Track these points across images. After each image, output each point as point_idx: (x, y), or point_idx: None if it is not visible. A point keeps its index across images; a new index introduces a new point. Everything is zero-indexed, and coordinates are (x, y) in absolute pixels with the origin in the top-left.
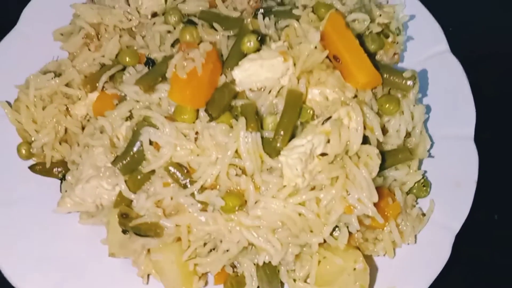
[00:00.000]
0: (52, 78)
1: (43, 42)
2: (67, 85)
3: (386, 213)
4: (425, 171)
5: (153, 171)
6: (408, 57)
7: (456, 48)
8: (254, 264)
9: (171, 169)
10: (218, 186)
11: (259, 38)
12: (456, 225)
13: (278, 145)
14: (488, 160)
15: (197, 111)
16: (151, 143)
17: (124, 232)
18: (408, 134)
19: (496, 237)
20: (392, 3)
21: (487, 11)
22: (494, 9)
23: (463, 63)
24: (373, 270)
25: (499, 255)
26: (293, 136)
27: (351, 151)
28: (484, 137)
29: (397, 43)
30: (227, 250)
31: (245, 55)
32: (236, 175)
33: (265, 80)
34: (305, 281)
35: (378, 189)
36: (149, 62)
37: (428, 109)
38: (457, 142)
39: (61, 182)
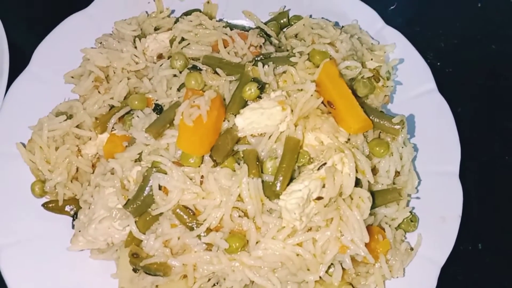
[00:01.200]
0: (64, 120)
1: (54, 82)
2: (78, 126)
3: (376, 250)
4: (413, 207)
5: (161, 213)
6: (397, 95)
7: (443, 83)
8: None
9: (179, 211)
10: (221, 228)
11: (259, 86)
12: (442, 258)
13: (278, 189)
14: (471, 192)
15: (202, 156)
16: (160, 187)
17: (134, 270)
18: (397, 173)
19: (479, 265)
20: (383, 43)
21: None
22: (482, 43)
23: (450, 100)
24: None
25: (483, 283)
26: (291, 178)
27: (344, 194)
28: (468, 173)
29: (387, 86)
30: None
31: (246, 101)
32: (239, 216)
33: (265, 127)
34: None
35: (369, 227)
36: (157, 108)
37: (415, 147)
38: (442, 178)
39: (73, 219)
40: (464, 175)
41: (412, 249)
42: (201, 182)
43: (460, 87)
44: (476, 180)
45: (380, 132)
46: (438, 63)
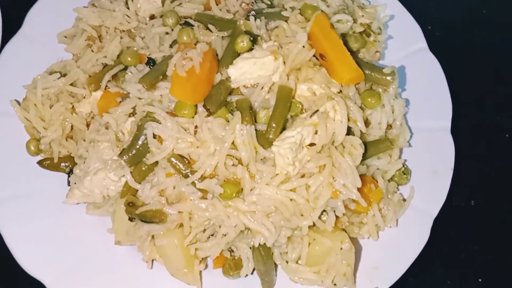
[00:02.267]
0: (58, 78)
1: (47, 44)
2: (72, 84)
3: (369, 199)
4: (405, 160)
5: (156, 163)
6: (389, 54)
7: (434, 45)
8: (250, 247)
9: (173, 160)
10: (216, 176)
11: (252, 38)
12: (434, 210)
13: (271, 136)
14: (464, 150)
15: (196, 106)
16: (154, 136)
17: (130, 219)
18: (389, 126)
19: (472, 221)
20: (374, 4)
21: (465, 8)
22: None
23: (441, 59)
24: (358, 250)
25: (474, 237)
26: (284, 128)
27: (336, 142)
28: (460, 128)
29: (378, 41)
30: (225, 234)
31: (238, 54)
32: (233, 165)
33: (258, 78)
34: (297, 262)
35: (362, 176)
36: (150, 62)
37: (408, 102)
38: (434, 133)
39: (68, 176)
40: (456, 132)
41: (404, 200)
42: (195, 132)
43: (453, 50)
44: (468, 138)
45: (371, 84)
46: (429, 27)
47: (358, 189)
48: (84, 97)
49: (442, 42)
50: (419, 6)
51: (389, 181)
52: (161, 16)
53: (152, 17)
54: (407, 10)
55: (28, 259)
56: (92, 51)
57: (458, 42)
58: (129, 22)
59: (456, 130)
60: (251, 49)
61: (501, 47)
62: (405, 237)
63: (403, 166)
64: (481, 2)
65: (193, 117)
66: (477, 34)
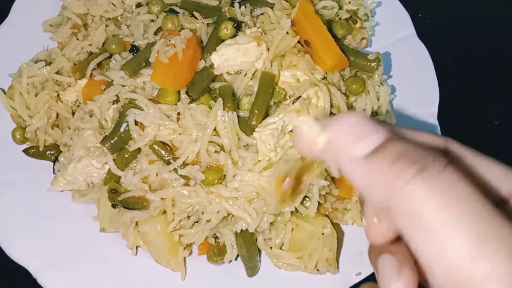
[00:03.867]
0: (43, 67)
1: (33, 33)
2: (57, 72)
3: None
4: None
5: (139, 150)
6: (376, 41)
7: (424, 33)
8: (234, 233)
9: (156, 147)
10: (199, 162)
11: (235, 24)
12: None
13: (253, 123)
14: (450, 136)
15: (179, 93)
16: (136, 123)
17: (113, 206)
18: (374, 113)
19: None
20: None
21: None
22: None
23: (430, 46)
24: (341, 235)
25: None
26: (267, 115)
27: None
28: (446, 115)
29: (365, 28)
30: (208, 221)
31: (223, 41)
32: (215, 151)
33: (241, 64)
34: (280, 248)
35: None
36: (134, 49)
37: (394, 89)
38: (421, 120)
39: (54, 164)
40: (443, 119)
41: None
42: (178, 119)
43: (442, 38)
44: (454, 124)
45: (356, 71)
46: (420, 14)
47: (342, 176)
48: (70, 86)
49: (432, 29)
50: None
51: None
52: (147, 4)
53: (138, 5)
54: None
55: (13, 246)
56: (77, 39)
57: (449, 30)
58: (114, 10)
59: (442, 117)
60: (235, 36)
61: (493, 35)
62: None
63: None
64: None
65: (176, 104)
66: (468, 21)
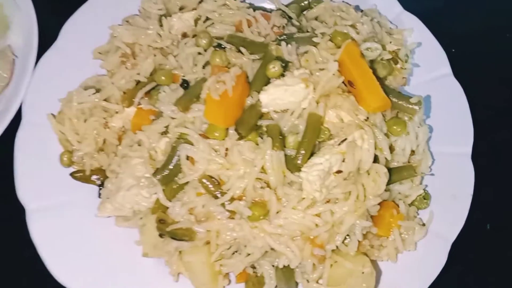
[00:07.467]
0: (93, 94)
1: (80, 58)
2: (106, 100)
3: (391, 223)
4: (426, 185)
5: (187, 182)
6: (413, 78)
7: (458, 69)
8: (273, 266)
9: (204, 181)
10: (244, 197)
11: (283, 64)
12: (452, 235)
13: (299, 162)
14: (484, 175)
15: (227, 129)
16: (187, 158)
17: (161, 235)
18: (412, 152)
19: (489, 245)
20: (400, 27)
21: (489, 32)
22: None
23: (464, 82)
24: (378, 273)
25: (491, 261)
26: (311, 153)
27: (362, 169)
28: (480, 155)
29: (405, 69)
30: (250, 254)
31: (268, 79)
32: (261, 187)
33: (288, 103)
34: (317, 282)
35: (384, 202)
36: (185, 84)
37: (430, 128)
38: (455, 158)
39: (100, 188)
40: (477, 156)
41: (424, 224)
42: (226, 154)
43: (476, 73)
44: (488, 163)
45: (397, 112)
46: (453, 50)
47: (380, 214)
48: (117, 112)
49: (465, 65)
50: (443, 27)
51: (409, 205)
52: (193, 36)
53: (184, 35)
54: (430, 30)
55: (58, 268)
56: (126, 68)
57: (482, 65)
58: (162, 41)
59: (476, 155)
60: (281, 74)
61: None
62: (423, 260)
63: (424, 191)
64: (506, 24)
65: (224, 140)
66: (501, 58)
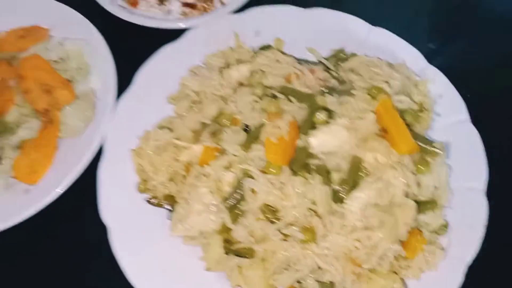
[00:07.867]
0: (167, 133)
1: (151, 101)
2: (176, 138)
3: (416, 247)
4: (445, 215)
5: (248, 209)
6: (435, 123)
7: (477, 115)
8: (317, 281)
9: (263, 208)
10: (295, 222)
11: (327, 113)
12: (468, 258)
13: (343, 195)
14: (497, 208)
15: (281, 167)
16: (251, 190)
17: (226, 253)
18: (434, 188)
19: (501, 269)
20: (423, 77)
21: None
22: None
23: (478, 124)
24: None
25: (504, 283)
26: (353, 188)
27: (395, 202)
28: (493, 190)
29: (429, 117)
30: (299, 270)
31: (315, 124)
32: (310, 215)
33: (333, 147)
34: None
35: (411, 229)
36: (246, 128)
37: (450, 167)
38: (470, 193)
39: (170, 211)
40: (491, 192)
41: (443, 249)
42: (281, 188)
43: (492, 119)
44: (502, 197)
45: (423, 154)
46: (469, 95)
47: (408, 239)
48: (185, 148)
49: (479, 109)
50: (459, 73)
51: (431, 232)
52: (248, 86)
53: (240, 84)
54: (446, 75)
55: (135, 274)
56: (194, 110)
57: (496, 109)
58: (223, 89)
59: (490, 189)
60: (326, 122)
61: None
62: (442, 279)
63: (444, 220)
64: None
65: (279, 175)
66: None
